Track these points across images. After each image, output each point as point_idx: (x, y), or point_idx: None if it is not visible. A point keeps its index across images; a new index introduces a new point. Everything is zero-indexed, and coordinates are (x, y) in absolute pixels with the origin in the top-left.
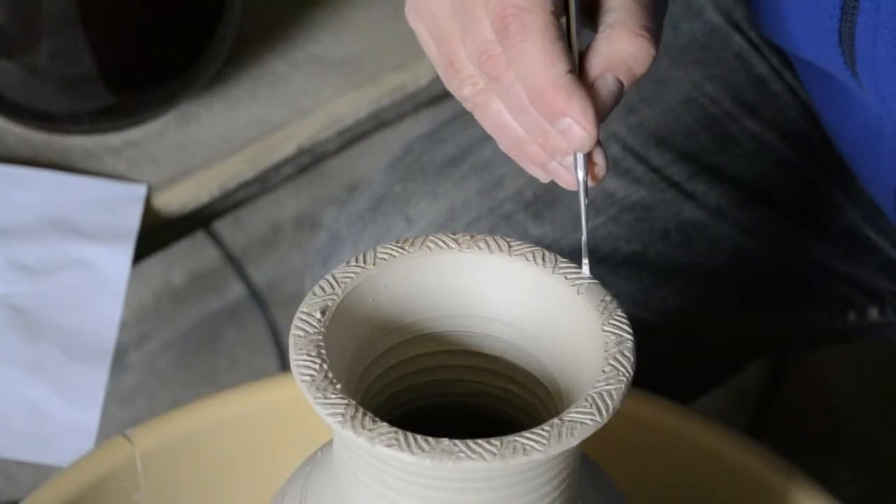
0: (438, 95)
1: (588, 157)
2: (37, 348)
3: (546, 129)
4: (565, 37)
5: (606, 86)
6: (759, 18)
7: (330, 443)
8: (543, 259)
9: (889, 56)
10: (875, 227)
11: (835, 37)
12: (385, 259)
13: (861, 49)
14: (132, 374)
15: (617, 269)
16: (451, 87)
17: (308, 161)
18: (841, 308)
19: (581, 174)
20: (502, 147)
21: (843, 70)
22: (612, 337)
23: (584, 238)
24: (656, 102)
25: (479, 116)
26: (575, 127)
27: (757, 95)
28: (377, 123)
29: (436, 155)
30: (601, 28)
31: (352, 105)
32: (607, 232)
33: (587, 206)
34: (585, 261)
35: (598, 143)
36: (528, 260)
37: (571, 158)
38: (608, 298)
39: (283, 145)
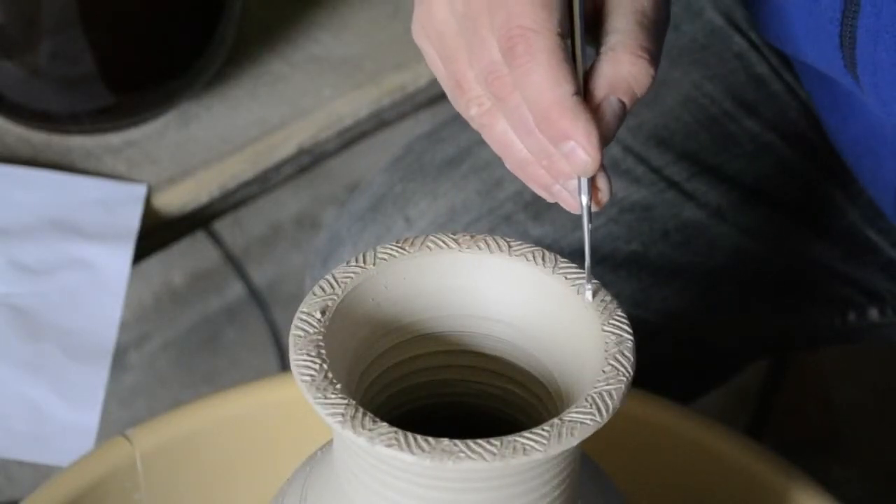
0: (438, 95)
1: (592, 182)
2: (37, 348)
3: (551, 152)
4: (571, 59)
5: (611, 108)
6: (759, 22)
7: (330, 443)
8: (543, 259)
9: (890, 60)
10: (875, 228)
11: (836, 40)
12: (385, 259)
13: (862, 53)
14: (132, 374)
15: (617, 269)
16: (458, 106)
17: (308, 161)
18: (841, 308)
19: (585, 199)
20: (508, 167)
21: (844, 74)
22: (612, 337)
23: (587, 263)
24: (656, 103)
25: (486, 136)
26: (579, 151)
27: (757, 95)
28: (377, 123)
29: (436, 155)
30: (603, 50)
31: (352, 105)
32: (607, 232)
33: (590, 230)
34: (589, 286)
35: (602, 167)
36: (528, 260)
37: (575, 182)
38: (608, 298)
39: (283, 145)
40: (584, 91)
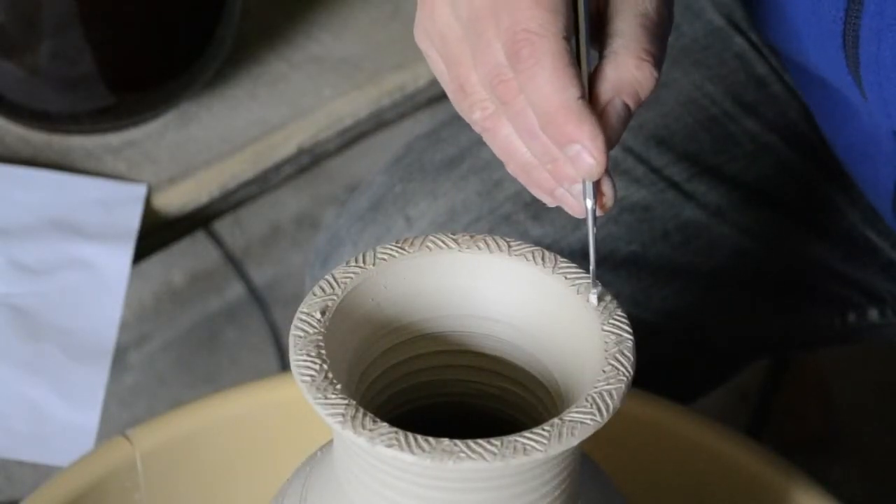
0: (438, 96)
1: (597, 186)
2: (37, 348)
3: (555, 156)
4: (576, 62)
5: (616, 111)
6: (760, 22)
7: (330, 443)
8: (543, 259)
9: (893, 59)
10: (875, 229)
11: (839, 40)
12: (385, 259)
13: (865, 52)
14: (132, 374)
15: (617, 269)
16: (461, 110)
17: (308, 161)
18: (841, 309)
19: (590, 203)
20: (511, 171)
21: (846, 76)
22: (612, 337)
23: (592, 266)
24: (657, 103)
25: (489, 140)
26: (584, 154)
27: (757, 96)
28: (377, 123)
29: (435, 155)
30: (607, 53)
31: (352, 105)
32: (607, 232)
33: (595, 235)
34: (594, 290)
35: (607, 172)
36: (528, 260)
37: (580, 186)
38: (608, 298)
39: (283, 145)
40: (588, 94)
